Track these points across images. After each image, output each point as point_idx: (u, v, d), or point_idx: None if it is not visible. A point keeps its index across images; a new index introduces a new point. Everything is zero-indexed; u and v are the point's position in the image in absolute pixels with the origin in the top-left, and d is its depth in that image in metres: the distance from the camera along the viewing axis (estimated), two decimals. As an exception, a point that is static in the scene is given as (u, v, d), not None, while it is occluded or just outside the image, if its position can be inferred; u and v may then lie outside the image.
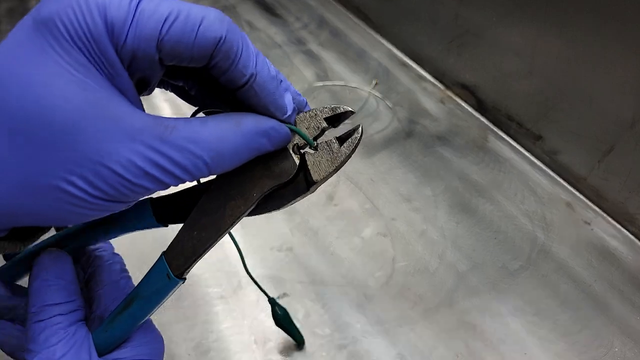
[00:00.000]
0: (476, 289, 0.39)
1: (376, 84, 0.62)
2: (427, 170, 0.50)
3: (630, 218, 0.44)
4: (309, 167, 0.20)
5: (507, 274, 0.40)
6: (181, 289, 0.38)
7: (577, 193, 0.48)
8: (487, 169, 0.51)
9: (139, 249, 0.40)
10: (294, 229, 0.43)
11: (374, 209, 0.45)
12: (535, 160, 0.52)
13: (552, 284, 0.40)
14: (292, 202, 0.21)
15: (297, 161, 0.20)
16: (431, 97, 0.61)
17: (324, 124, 0.21)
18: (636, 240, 0.44)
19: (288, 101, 0.19)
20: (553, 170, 0.51)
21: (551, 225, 0.45)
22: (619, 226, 0.45)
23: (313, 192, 0.21)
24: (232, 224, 0.21)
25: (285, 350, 0.35)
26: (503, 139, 0.55)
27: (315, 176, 0.20)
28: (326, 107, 0.21)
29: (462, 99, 0.60)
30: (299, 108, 0.20)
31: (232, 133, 0.17)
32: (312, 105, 0.60)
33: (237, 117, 0.18)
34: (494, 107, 0.56)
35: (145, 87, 0.18)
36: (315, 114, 0.21)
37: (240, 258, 0.28)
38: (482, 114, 0.58)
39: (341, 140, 0.20)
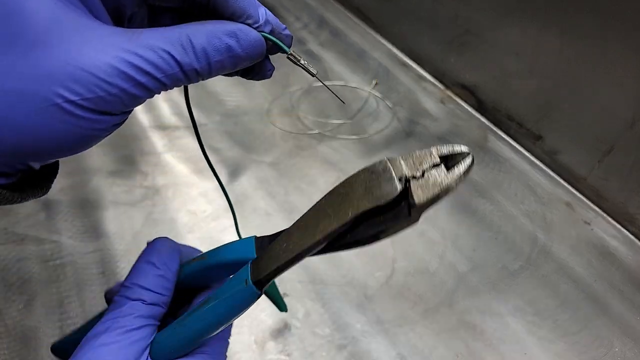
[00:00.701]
0: (476, 289, 0.39)
1: (376, 84, 0.62)
2: (427, 170, 0.50)
3: (630, 218, 0.44)
4: (413, 192, 0.20)
5: (507, 274, 0.40)
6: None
7: (577, 193, 0.48)
8: (487, 169, 0.51)
9: (139, 249, 0.40)
10: (294, 229, 0.43)
11: (374, 209, 0.45)
12: (536, 160, 0.52)
13: (552, 284, 0.40)
14: (392, 230, 0.21)
15: (399, 187, 0.19)
16: (431, 97, 0.61)
17: (437, 161, 0.20)
18: (636, 240, 0.44)
19: (261, 13, 0.19)
20: (553, 170, 0.51)
21: (551, 225, 0.45)
22: (619, 226, 0.45)
23: (416, 221, 0.20)
24: (322, 241, 0.21)
25: (285, 350, 0.35)
26: (503, 139, 0.55)
27: (417, 199, 0.19)
28: (442, 147, 0.21)
29: (462, 99, 0.60)
30: (277, 30, 0.20)
31: (196, 31, 0.17)
32: (312, 101, 0.60)
33: (203, 22, 0.18)
34: (494, 107, 0.56)
35: (121, 19, 0.19)
36: (431, 152, 0.21)
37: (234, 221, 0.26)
38: (482, 114, 0.58)
39: (449, 167, 0.20)
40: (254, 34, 0.19)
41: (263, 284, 0.20)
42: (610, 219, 0.46)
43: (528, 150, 0.53)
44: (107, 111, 0.16)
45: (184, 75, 0.17)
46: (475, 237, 0.43)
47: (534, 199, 0.48)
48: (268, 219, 0.44)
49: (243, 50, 0.18)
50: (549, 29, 0.46)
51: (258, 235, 0.24)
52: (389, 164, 0.20)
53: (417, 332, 0.36)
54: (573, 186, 0.49)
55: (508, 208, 0.46)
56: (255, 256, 0.23)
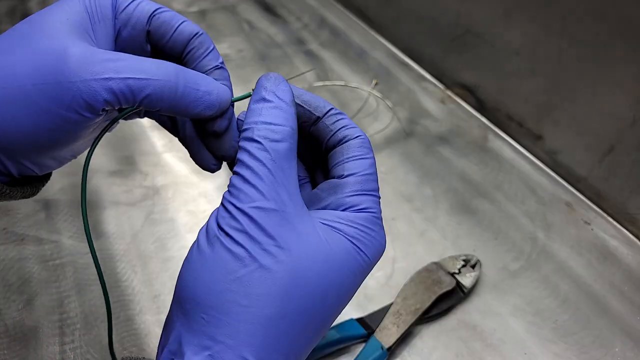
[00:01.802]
0: (476, 289, 0.39)
1: (376, 83, 0.62)
2: (428, 170, 0.50)
3: (631, 218, 0.44)
4: (461, 282, 0.38)
5: (508, 274, 0.40)
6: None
7: (577, 193, 0.48)
8: (487, 169, 0.51)
9: (139, 249, 0.40)
10: (294, 229, 0.43)
11: (374, 209, 0.45)
12: (536, 160, 0.52)
13: (553, 284, 0.40)
14: (453, 305, 0.37)
15: (454, 279, 0.37)
16: (431, 97, 0.61)
17: (462, 264, 0.39)
18: (636, 240, 0.44)
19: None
20: (553, 170, 0.51)
21: (551, 225, 0.45)
22: (619, 226, 0.45)
23: (466, 297, 0.38)
24: (418, 312, 0.35)
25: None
26: (503, 139, 0.55)
27: (467, 284, 0.37)
28: (461, 255, 0.39)
29: (462, 98, 0.60)
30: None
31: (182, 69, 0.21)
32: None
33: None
34: (495, 107, 0.56)
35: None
36: (456, 258, 0.39)
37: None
38: (483, 114, 0.58)
39: (472, 266, 0.39)
40: (224, 87, 0.22)
41: (391, 348, 0.33)
42: (610, 219, 0.46)
43: (528, 150, 0.53)
44: (74, 105, 0.19)
45: (150, 88, 0.19)
46: (476, 237, 0.43)
47: (534, 199, 0.47)
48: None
49: (212, 91, 0.21)
50: (549, 29, 0.46)
51: (356, 317, 0.35)
52: (439, 265, 0.38)
53: (417, 332, 0.36)
54: (573, 186, 0.49)
55: (508, 208, 0.46)
56: (365, 331, 0.34)
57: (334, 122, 0.22)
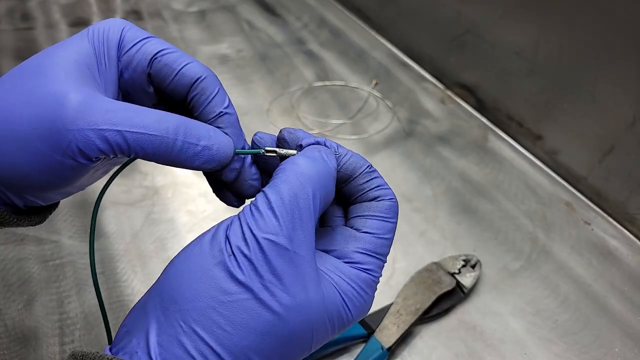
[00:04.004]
0: (476, 290, 0.39)
1: (376, 83, 0.62)
2: (428, 170, 0.50)
3: (631, 218, 0.44)
4: (461, 282, 0.37)
5: (508, 274, 0.40)
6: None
7: (577, 193, 0.48)
8: (487, 169, 0.51)
9: (139, 249, 0.40)
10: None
11: (374, 209, 0.45)
12: (536, 160, 0.52)
13: (553, 284, 0.40)
14: (453, 305, 0.37)
15: (454, 279, 0.37)
16: (431, 97, 0.61)
17: (462, 264, 0.39)
18: (636, 240, 0.44)
19: (245, 145, 0.23)
20: (553, 170, 0.51)
21: (551, 225, 0.45)
22: (619, 226, 0.45)
23: (466, 297, 0.38)
24: (419, 312, 0.35)
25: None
26: (503, 139, 0.55)
27: (467, 284, 0.37)
28: (461, 255, 0.39)
29: (462, 98, 0.60)
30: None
31: (185, 120, 0.21)
32: (312, 101, 0.60)
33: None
34: (495, 107, 0.56)
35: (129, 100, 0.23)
36: (456, 258, 0.39)
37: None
38: (483, 114, 0.58)
39: (472, 266, 0.39)
40: (226, 138, 0.21)
41: (392, 348, 0.34)
42: (610, 218, 0.46)
43: (528, 150, 0.53)
44: (73, 154, 0.19)
45: (150, 143, 0.19)
46: (476, 237, 0.43)
47: (534, 198, 0.47)
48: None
49: (213, 146, 0.21)
50: (549, 28, 0.46)
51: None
52: (439, 266, 0.39)
53: (417, 332, 0.36)
54: (573, 186, 0.49)
55: (508, 208, 0.46)
56: (365, 332, 0.34)
57: (368, 181, 0.21)
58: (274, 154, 0.22)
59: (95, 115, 0.18)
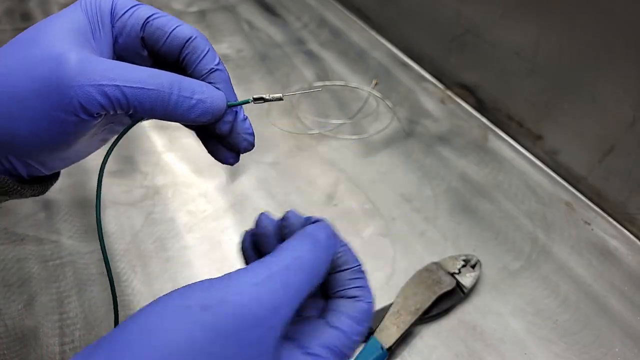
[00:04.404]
0: (476, 289, 0.39)
1: (376, 83, 0.62)
2: (428, 170, 0.50)
3: (631, 218, 0.44)
4: (461, 282, 0.37)
5: (508, 274, 0.40)
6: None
7: (577, 193, 0.48)
8: (487, 169, 0.51)
9: (139, 248, 0.40)
10: (294, 229, 0.43)
11: (374, 209, 0.45)
12: (536, 160, 0.52)
13: (553, 284, 0.40)
14: (453, 305, 0.37)
15: (454, 279, 0.37)
16: (431, 97, 0.61)
17: (462, 264, 0.39)
18: (636, 240, 0.44)
19: (236, 99, 0.23)
20: (553, 170, 0.51)
21: (551, 225, 0.45)
22: (619, 226, 0.45)
23: (466, 297, 0.38)
24: (419, 312, 0.35)
25: (285, 350, 0.34)
26: (503, 138, 0.55)
27: (467, 284, 0.37)
28: (461, 255, 0.39)
29: (462, 98, 0.60)
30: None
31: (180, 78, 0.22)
32: (312, 101, 0.60)
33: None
34: (495, 107, 0.56)
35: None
36: (456, 258, 0.39)
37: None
38: (483, 114, 0.58)
39: (472, 266, 0.39)
40: (219, 92, 0.22)
41: (391, 348, 0.33)
42: (610, 219, 0.46)
43: (528, 150, 0.53)
44: (74, 109, 0.20)
45: (147, 98, 0.20)
46: (476, 237, 0.43)
47: (534, 199, 0.47)
48: (268, 219, 0.44)
49: (206, 99, 0.22)
50: (549, 28, 0.46)
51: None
52: (439, 265, 0.38)
53: (417, 332, 0.36)
54: (573, 186, 0.49)
55: (508, 208, 0.46)
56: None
57: (354, 279, 0.21)
58: (261, 101, 0.24)
59: (94, 72, 0.19)
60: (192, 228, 0.43)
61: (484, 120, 0.57)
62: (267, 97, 0.24)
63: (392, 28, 0.70)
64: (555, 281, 0.40)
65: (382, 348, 0.33)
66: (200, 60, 0.22)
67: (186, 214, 0.44)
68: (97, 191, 0.23)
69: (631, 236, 0.44)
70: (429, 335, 0.36)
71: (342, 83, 0.62)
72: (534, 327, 0.36)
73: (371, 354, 0.32)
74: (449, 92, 0.61)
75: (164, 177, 0.48)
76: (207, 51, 0.23)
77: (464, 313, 0.37)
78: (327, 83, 0.62)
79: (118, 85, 0.19)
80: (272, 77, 0.62)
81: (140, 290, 0.38)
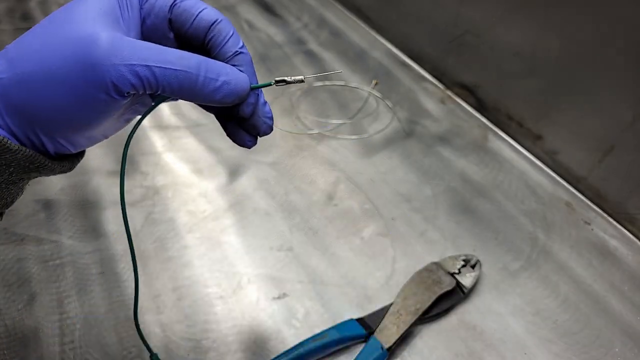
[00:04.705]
0: (476, 289, 0.39)
1: (376, 83, 0.62)
2: (427, 170, 0.50)
3: (631, 218, 0.44)
4: (461, 282, 0.37)
5: (507, 274, 0.40)
6: (181, 290, 0.38)
7: (577, 193, 0.48)
8: (487, 169, 0.51)
9: (139, 249, 0.40)
10: (294, 229, 0.43)
11: (373, 209, 0.45)
12: (536, 160, 0.52)
13: (552, 284, 0.40)
14: (453, 305, 0.37)
15: (454, 279, 0.37)
16: (431, 97, 0.61)
17: (462, 264, 0.39)
18: (636, 240, 0.44)
19: (257, 81, 0.25)
20: (553, 170, 0.51)
21: (551, 225, 0.45)
22: (619, 226, 0.45)
23: (466, 297, 0.38)
24: (419, 312, 0.35)
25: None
26: (503, 138, 0.55)
27: (467, 284, 0.37)
28: (461, 255, 0.39)
29: (462, 98, 0.60)
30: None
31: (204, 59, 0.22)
32: (312, 101, 0.60)
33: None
34: (494, 107, 0.56)
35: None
36: (456, 258, 0.39)
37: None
38: (483, 114, 0.58)
39: (472, 266, 0.39)
40: (243, 75, 0.23)
41: (391, 348, 0.33)
42: (610, 218, 0.46)
43: (528, 150, 0.53)
44: (106, 88, 0.20)
45: (176, 79, 0.21)
46: (475, 237, 0.43)
47: (534, 198, 0.47)
48: (268, 218, 0.44)
49: (231, 81, 0.23)
50: (548, 29, 0.46)
51: (356, 317, 0.35)
52: (439, 265, 0.38)
53: (417, 332, 0.36)
54: (573, 186, 0.49)
55: (508, 208, 0.46)
56: (365, 332, 0.34)
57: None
58: (283, 83, 0.25)
59: (126, 52, 0.20)
60: (192, 228, 0.43)
61: (484, 120, 0.57)
62: (289, 80, 0.25)
63: (392, 28, 0.70)
64: (555, 281, 0.40)
65: (382, 348, 0.33)
66: (225, 43, 0.23)
67: (186, 214, 0.44)
68: (121, 171, 0.24)
69: (631, 236, 0.44)
70: (429, 335, 0.36)
71: (342, 83, 0.62)
72: (534, 327, 0.36)
73: (371, 354, 0.32)
74: (449, 92, 0.62)
75: (164, 177, 0.48)
76: (232, 34, 0.23)
77: (464, 313, 0.37)
78: (327, 83, 0.62)
79: (149, 66, 0.20)
80: (272, 77, 0.62)
81: (141, 290, 0.38)
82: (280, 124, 0.55)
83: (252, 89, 0.24)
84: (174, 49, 0.21)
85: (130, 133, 0.24)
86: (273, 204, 0.45)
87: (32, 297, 0.36)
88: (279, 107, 0.58)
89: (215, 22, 0.23)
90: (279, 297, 0.38)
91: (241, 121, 0.25)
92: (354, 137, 0.54)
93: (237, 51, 0.23)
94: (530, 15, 0.47)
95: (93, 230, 0.42)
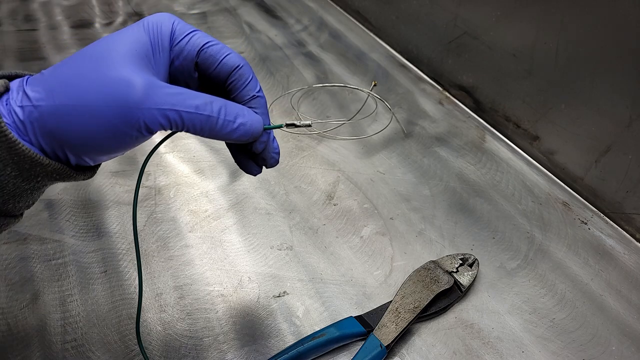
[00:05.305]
0: (474, 288, 0.39)
1: (375, 85, 0.62)
2: (426, 170, 0.51)
3: (627, 217, 0.45)
4: (458, 280, 0.38)
5: (505, 273, 0.41)
6: (183, 288, 0.38)
7: (574, 193, 0.49)
8: (484, 169, 0.51)
9: (141, 248, 0.41)
10: (294, 228, 0.43)
11: (373, 209, 0.46)
12: (533, 161, 0.52)
13: (549, 282, 0.40)
14: (451, 303, 0.37)
15: (452, 278, 0.38)
16: (430, 98, 0.61)
17: (459, 263, 0.39)
18: (632, 240, 0.44)
19: (270, 122, 0.28)
20: (550, 171, 0.51)
21: (548, 224, 0.45)
22: (615, 225, 0.46)
23: (463, 295, 0.38)
24: (417, 310, 0.35)
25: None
26: (501, 139, 0.55)
27: (464, 282, 0.38)
28: (459, 254, 0.40)
29: (460, 100, 0.61)
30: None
31: (223, 101, 0.25)
32: (312, 102, 0.61)
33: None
34: (492, 108, 0.56)
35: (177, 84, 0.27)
36: (454, 257, 0.40)
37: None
38: (480, 115, 0.58)
39: (470, 265, 0.39)
40: (258, 117, 0.26)
41: (390, 346, 0.34)
42: (606, 218, 0.46)
43: (525, 151, 0.53)
44: (137, 126, 0.23)
45: (198, 121, 0.24)
46: (473, 236, 0.44)
47: (531, 198, 0.48)
48: (268, 218, 0.44)
49: (246, 123, 0.25)
50: (545, 30, 0.46)
51: (355, 316, 0.36)
52: (437, 264, 0.39)
53: (415, 330, 0.36)
54: (570, 186, 0.49)
55: (505, 207, 0.47)
56: (364, 330, 0.34)
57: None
58: (292, 127, 0.28)
59: (158, 97, 0.22)
60: (194, 227, 0.43)
61: (482, 121, 0.58)
62: (298, 124, 0.28)
63: (390, 30, 0.70)
64: (552, 280, 0.40)
65: (381, 346, 0.33)
66: (245, 87, 0.26)
67: (188, 214, 0.44)
68: (135, 192, 0.27)
69: (627, 235, 0.45)
70: (427, 333, 0.36)
71: (341, 84, 0.63)
72: (531, 326, 0.37)
73: (370, 352, 0.33)
74: (447, 94, 0.62)
75: (166, 177, 0.48)
76: (251, 79, 0.27)
77: (462, 311, 0.37)
78: (326, 84, 0.63)
79: (178, 110, 0.23)
80: (273, 78, 0.63)
81: (143, 288, 0.38)
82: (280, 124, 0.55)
83: (265, 129, 0.26)
84: (200, 94, 0.24)
85: (146, 159, 0.27)
86: (273, 203, 0.46)
87: (35, 296, 0.37)
88: (279, 107, 0.58)
89: (237, 67, 0.26)
90: (279, 296, 0.38)
91: (252, 154, 0.28)
92: (353, 137, 0.55)
93: (254, 95, 0.26)
94: (527, 17, 0.48)
95: (96, 229, 0.42)
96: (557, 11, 0.44)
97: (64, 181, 0.25)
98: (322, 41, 0.72)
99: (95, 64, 0.23)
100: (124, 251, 0.41)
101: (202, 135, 0.24)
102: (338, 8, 0.81)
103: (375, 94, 0.61)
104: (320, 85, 0.62)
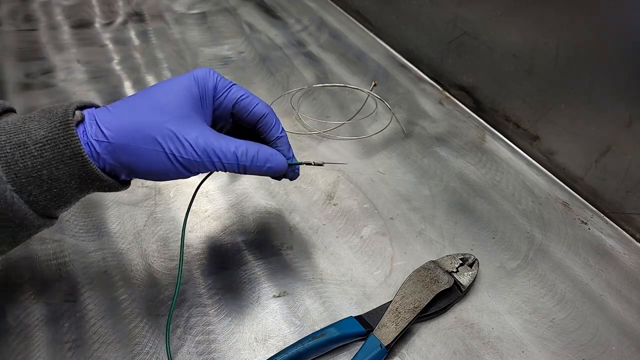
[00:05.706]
0: (474, 288, 0.39)
1: (375, 85, 0.63)
2: (426, 170, 0.51)
3: (627, 217, 0.45)
4: (458, 280, 0.38)
5: (505, 273, 0.41)
6: (182, 288, 0.38)
7: (574, 193, 0.49)
8: (484, 169, 0.51)
9: (141, 248, 0.41)
10: (294, 228, 0.43)
11: (373, 209, 0.46)
12: (533, 161, 0.52)
13: (549, 282, 0.40)
14: (451, 303, 0.37)
15: (452, 278, 0.38)
16: (430, 98, 0.61)
17: (459, 263, 0.39)
18: (633, 240, 0.44)
19: (292, 155, 0.36)
20: (550, 171, 0.51)
21: (548, 224, 0.45)
22: (615, 225, 0.46)
23: (463, 295, 0.38)
24: (417, 310, 0.35)
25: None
26: (501, 139, 0.55)
27: (464, 282, 0.38)
28: (459, 254, 0.40)
29: (460, 100, 0.61)
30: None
31: (252, 145, 0.32)
32: (312, 102, 0.61)
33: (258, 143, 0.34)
34: (492, 108, 0.56)
35: (215, 127, 0.35)
36: (454, 257, 0.40)
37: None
38: (480, 115, 0.58)
39: (470, 265, 0.39)
40: (282, 158, 0.34)
41: (390, 346, 0.34)
42: (606, 218, 0.46)
43: (525, 151, 0.53)
44: (185, 167, 0.30)
45: (237, 167, 0.31)
46: (473, 236, 0.44)
47: (531, 198, 0.48)
48: (269, 218, 0.44)
49: (273, 166, 0.33)
50: (546, 30, 0.46)
51: (355, 316, 0.36)
52: (437, 264, 0.39)
53: (415, 330, 0.36)
54: (570, 186, 0.49)
55: (505, 208, 0.47)
56: (364, 329, 0.35)
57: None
58: (308, 164, 0.36)
59: (208, 148, 0.30)
60: (194, 227, 0.43)
61: (481, 121, 0.58)
62: (312, 163, 0.36)
63: (390, 30, 0.71)
64: (552, 280, 0.40)
65: (381, 346, 0.33)
66: (270, 130, 0.34)
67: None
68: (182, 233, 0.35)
69: (627, 235, 0.45)
70: (427, 333, 0.36)
71: (341, 84, 0.63)
72: (531, 326, 0.37)
73: (370, 352, 0.33)
74: (447, 94, 0.62)
75: (165, 178, 0.48)
76: (275, 123, 0.34)
77: (462, 311, 0.38)
78: (326, 84, 0.63)
79: (221, 160, 0.30)
80: (273, 78, 0.63)
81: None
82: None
83: (288, 165, 0.34)
84: (240, 142, 0.31)
85: (190, 202, 0.36)
86: (273, 203, 0.46)
87: (36, 296, 0.37)
88: (280, 107, 0.58)
89: (264, 115, 0.33)
90: (279, 296, 0.38)
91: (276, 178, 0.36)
92: (353, 137, 0.55)
93: (278, 136, 0.34)
94: (527, 17, 0.48)
95: (96, 229, 0.42)
96: (557, 11, 0.44)
97: (108, 192, 0.30)
98: (322, 41, 0.72)
99: (156, 109, 0.29)
100: (124, 251, 0.41)
101: (238, 173, 0.32)
102: (338, 8, 0.81)
103: (375, 94, 0.61)
104: (320, 85, 0.62)
